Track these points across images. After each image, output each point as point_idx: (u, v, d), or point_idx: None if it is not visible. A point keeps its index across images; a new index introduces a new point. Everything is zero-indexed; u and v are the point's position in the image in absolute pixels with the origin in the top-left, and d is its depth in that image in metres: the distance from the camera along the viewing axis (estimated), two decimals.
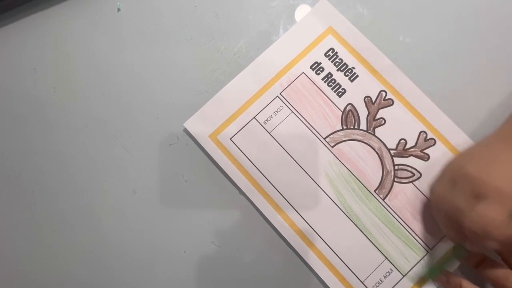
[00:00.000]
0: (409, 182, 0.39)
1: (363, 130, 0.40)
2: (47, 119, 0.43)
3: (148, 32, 0.44)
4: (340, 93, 0.41)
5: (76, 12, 0.44)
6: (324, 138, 0.40)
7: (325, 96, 0.41)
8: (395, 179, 0.40)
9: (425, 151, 0.40)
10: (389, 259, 0.38)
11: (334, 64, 0.42)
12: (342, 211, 0.39)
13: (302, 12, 0.43)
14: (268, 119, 0.41)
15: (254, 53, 0.43)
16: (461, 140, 0.40)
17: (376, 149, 0.40)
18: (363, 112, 0.41)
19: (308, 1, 0.44)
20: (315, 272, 0.38)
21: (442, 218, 0.35)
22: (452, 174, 0.34)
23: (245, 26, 0.44)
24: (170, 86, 0.43)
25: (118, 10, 0.44)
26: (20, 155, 0.42)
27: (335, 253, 0.38)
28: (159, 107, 0.42)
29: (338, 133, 0.40)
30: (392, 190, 0.39)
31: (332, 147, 0.40)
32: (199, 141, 0.41)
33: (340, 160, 0.40)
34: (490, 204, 0.30)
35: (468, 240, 0.34)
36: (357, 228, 0.39)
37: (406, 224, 0.39)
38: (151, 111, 0.42)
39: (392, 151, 0.40)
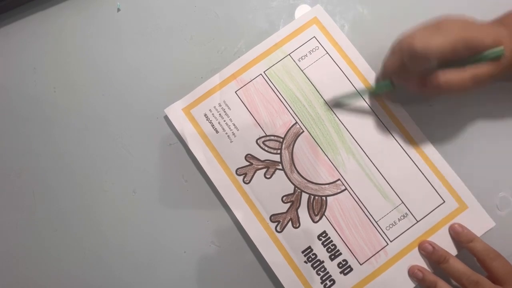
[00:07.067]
0: None
1: None
2: (47, 119, 0.43)
3: (148, 32, 0.44)
4: None
5: (76, 12, 0.45)
6: None
7: None
8: None
9: None
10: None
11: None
12: None
13: (302, 12, 0.43)
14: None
15: None
16: None
17: None
18: None
19: (308, 1, 0.44)
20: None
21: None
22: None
23: (245, 26, 0.44)
24: (170, 86, 0.43)
25: (118, 10, 0.44)
26: (20, 155, 0.42)
27: None
28: (159, 107, 0.42)
29: None
30: None
31: None
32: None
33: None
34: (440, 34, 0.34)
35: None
36: None
37: None
38: (151, 111, 0.42)
39: None
